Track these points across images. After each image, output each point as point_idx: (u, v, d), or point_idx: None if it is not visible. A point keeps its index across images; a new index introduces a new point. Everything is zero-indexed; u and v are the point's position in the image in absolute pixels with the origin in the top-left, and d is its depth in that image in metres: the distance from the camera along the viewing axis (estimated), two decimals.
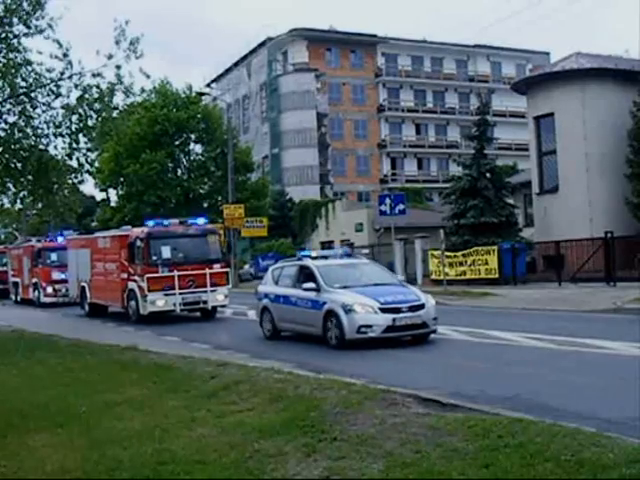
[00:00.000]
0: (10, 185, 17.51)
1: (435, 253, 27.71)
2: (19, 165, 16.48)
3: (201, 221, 21.77)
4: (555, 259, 25.73)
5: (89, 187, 78.20)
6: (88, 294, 24.23)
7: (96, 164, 28.39)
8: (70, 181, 17.79)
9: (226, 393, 8.87)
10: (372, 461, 5.83)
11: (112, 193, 45.32)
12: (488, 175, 31.11)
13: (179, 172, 40.33)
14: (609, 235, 23.55)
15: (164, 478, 5.86)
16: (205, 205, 40.04)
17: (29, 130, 16.08)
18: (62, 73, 15.31)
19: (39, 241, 32.40)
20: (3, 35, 15.13)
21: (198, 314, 21.38)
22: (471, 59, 64.79)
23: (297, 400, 8.04)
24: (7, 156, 16.28)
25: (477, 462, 5.60)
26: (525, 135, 37.91)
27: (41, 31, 15.13)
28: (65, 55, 15.19)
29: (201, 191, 39.85)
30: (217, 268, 20.77)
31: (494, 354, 11.94)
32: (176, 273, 19.77)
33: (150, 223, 21.08)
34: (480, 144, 31.90)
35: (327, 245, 43.16)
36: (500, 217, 30.00)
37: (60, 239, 30.85)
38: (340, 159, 59.13)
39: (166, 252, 20.13)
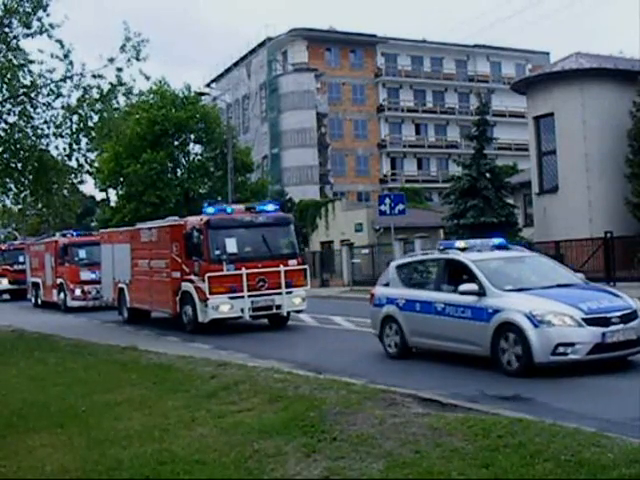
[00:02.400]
0: (11, 185, 17.51)
1: None
2: (19, 165, 16.50)
3: (271, 207, 18.14)
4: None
5: (89, 187, 78.30)
6: (127, 297, 20.64)
7: (96, 164, 28.42)
8: (70, 181, 17.80)
9: (226, 393, 8.88)
10: (372, 461, 5.83)
11: (112, 193, 45.31)
12: (488, 175, 31.13)
13: (179, 172, 40.28)
14: (609, 235, 23.53)
15: (164, 478, 5.86)
16: (205, 205, 40.04)
17: (29, 130, 16.10)
18: (66, 77, 15.31)
19: (64, 236, 28.35)
20: (3, 36, 15.13)
21: (265, 321, 17.83)
22: (471, 59, 64.76)
23: (297, 400, 8.04)
24: (7, 156, 16.29)
25: (477, 462, 5.61)
26: (525, 135, 37.88)
27: (41, 33, 15.13)
28: (66, 56, 15.19)
29: (201, 191, 39.79)
30: (293, 265, 17.27)
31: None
32: (244, 271, 16.33)
33: (209, 209, 17.42)
34: (480, 144, 31.91)
35: (327, 245, 43.14)
36: (500, 217, 30.02)
37: (84, 234, 28.28)
38: (340, 159, 59.11)
39: (231, 245, 16.65)
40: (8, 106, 15.90)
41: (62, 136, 16.04)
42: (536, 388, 8.89)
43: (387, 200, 28.22)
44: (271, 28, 66.23)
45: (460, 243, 11.75)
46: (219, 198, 37.92)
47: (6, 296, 35.94)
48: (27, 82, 15.57)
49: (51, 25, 15.12)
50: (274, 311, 17.03)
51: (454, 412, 7.29)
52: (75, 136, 16.00)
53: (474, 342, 10.24)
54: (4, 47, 15.31)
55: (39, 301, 29.82)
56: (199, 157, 40.97)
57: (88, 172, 18.75)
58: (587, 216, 26.89)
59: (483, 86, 59.83)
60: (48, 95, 15.72)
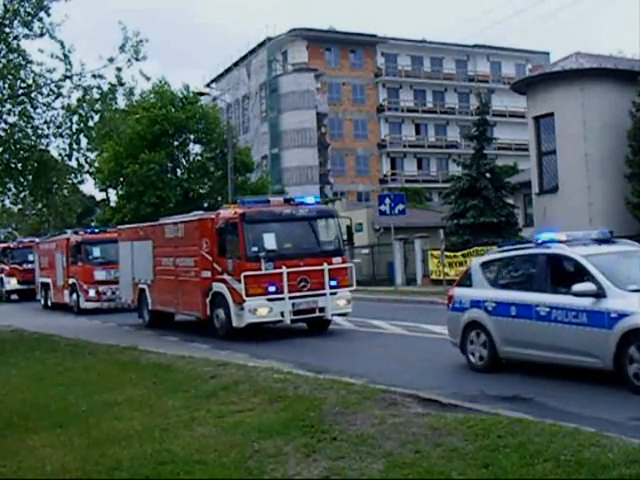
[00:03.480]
0: (11, 185, 17.51)
1: (435, 253, 27.70)
2: (19, 165, 16.49)
3: (311, 199, 16.48)
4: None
5: (89, 187, 78.29)
6: (149, 299, 18.96)
7: (96, 164, 28.43)
8: (70, 181, 17.79)
9: (226, 393, 8.88)
10: (372, 461, 5.83)
11: (112, 193, 45.30)
12: (488, 175, 31.13)
13: (179, 172, 40.28)
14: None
15: (164, 478, 5.86)
16: (205, 205, 40.04)
17: (29, 130, 16.09)
18: (66, 77, 15.31)
19: (76, 233, 26.76)
20: (3, 36, 15.13)
21: (303, 325, 16.13)
22: (471, 59, 64.77)
23: (297, 400, 8.05)
24: (7, 156, 16.29)
25: (477, 462, 5.61)
26: (525, 135, 37.85)
27: (42, 35, 15.13)
28: (66, 56, 15.19)
29: (201, 191, 39.80)
30: (337, 263, 15.70)
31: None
32: (285, 270, 14.78)
33: (245, 201, 16.17)
34: (480, 144, 31.91)
35: None
36: (500, 217, 30.02)
37: (100, 231, 26.39)
38: (340, 159, 59.11)
39: (270, 241, 15.10)
40: (8, 106, 15.90)
41: (62, 136, 16.04)
42: (536, 388, 8.89)
43: (387, 200, 28.20)
44: (271, 28, 66.44)
45: (561, 235, 10.04)
46: (219, 198, 37.96)
47: (14, 296, 34.89)
48: (28, 82, 15.57)
49: (51, 25, 15.11)
50: (317, 314, 15.39)
51: (454, 412, 7.29)
52: (75, 136, 16.00)
53: (590, 353, 8.73)
54: (4, 47, 15.30)
55: (49, 302, 28.35)
56: (199, 157, 40.97)
57: (88, 172, 18.72)
58: (587, 216, 26.87)
59: (483, 86, 59.82)
60: (48, 95, 15.72)
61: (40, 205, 19.85)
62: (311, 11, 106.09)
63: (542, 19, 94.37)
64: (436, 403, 7.79)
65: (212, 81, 64.49)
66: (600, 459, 5.42)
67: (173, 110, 38.04)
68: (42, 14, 15.08)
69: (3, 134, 16.10)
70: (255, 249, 14.91)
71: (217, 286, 15.69)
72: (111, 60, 15.14)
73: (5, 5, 14.90)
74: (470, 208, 29.94)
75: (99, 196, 53.16)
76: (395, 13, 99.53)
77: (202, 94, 42.60)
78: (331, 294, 15.35)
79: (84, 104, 15.56)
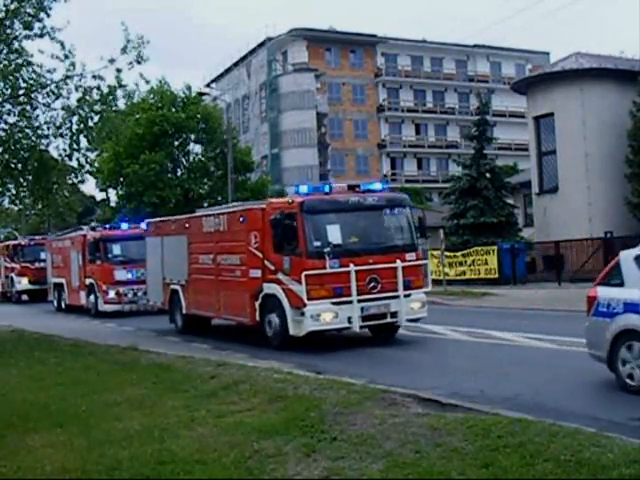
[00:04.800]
0: (11, 186, 17.50)
1: (435, 253, 27.71)
2: (19, 165, 16.48)
3: (378, 185, 14.52)
4: (555, 259, 25.74)
5: (89, 187, 78.37)
6: (183, 301, 16.86)
7: (96, 164, 28.37)
8: (70, 181, 17.78)
9: (226, 393, 8.88)
10: (372, 461, 5.83)
11: (112, 193, 45.31)
12: (488, 175, 31.17)
13: (179, 172, 40.29)
14: (609, 235, 23.54)
15: (164, 478, 5.86)
16: (205, 205, 40.06)
17: (29, 131, 16.08)
18: (68, 77, 15.30)
19: (93, 229, 24.90)
20: (3, 37, 15.13)
21: (366, 332, 13.95)
22: (471, 59, 64.75)
23: (297, 400, 8.04)
24: (7, 156, 16.29)
25: (477, 462, 5.61)
26: (525, 135, 37.89)
27: (42, 36, 15.12)
28: (66, 56, 15.18)
29: (201, 191, 39.82)
30: (411, 259, 13.59)
31: (494, 354, 11.93)
32: (352, 268, 12.70)
33: (302, 188, 13.88)
34: (480, 144, 31.96)
35: None
36: (500, 217, 30.06)
37: (124, 225, 24.03)
38: (340, 159, 59.10)
39: (335, 234, 13.01)
40: (8, 106, 15.90)
41: (62, 136, 16.02)
42: (536, 388, 8.89)
43: None
44: (271, 28, 66.34)
45: None
46: (219, 198, 37.96)
47: (25, 297, 33.39)
48: (28, 83, 15.57)
49: (52, 28, 15.10)
50: (388, 320, 13.34)
51: (454, 412, 7.29)
52: (75, 136, 15.99)
53: None
54: (5, 48, 15.30)
55: (63, 304, 26.38)
56: (199, 157, 40.98)
57: (88, 172, 18.68)
58: (587, 216, 26.92)
59: (483, 86, 59.82)
60: (48, 96, 15.71)
61: (40, 205, 19.81)
62: (311, 11, 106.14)
63: (542, 19, 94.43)
64: (436, 403, 7.79)
65: (212, 81, 64.48)
66: (600, 459, 5.42)
67: (173, 110, 38.05)
68: (42, 15, 15.07)
69: (3, 134, 16.09)
70: (318, 244, 12.79)
71: (269, 287, 13.59)
72: (112, 61, 15.13)
73: (6, 6, 14.90)
74: (470, 208, 29.99)
75: (99, 196, 53.21)
76: (395, 13, 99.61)
77: (202, 94, 42.60)
78: (405, 296, 13.23)
79: (84, 105, 15.55)
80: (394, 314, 13.25)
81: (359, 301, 12.79)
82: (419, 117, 62.29)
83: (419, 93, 62.98)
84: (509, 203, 31.77)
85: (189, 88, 39.89)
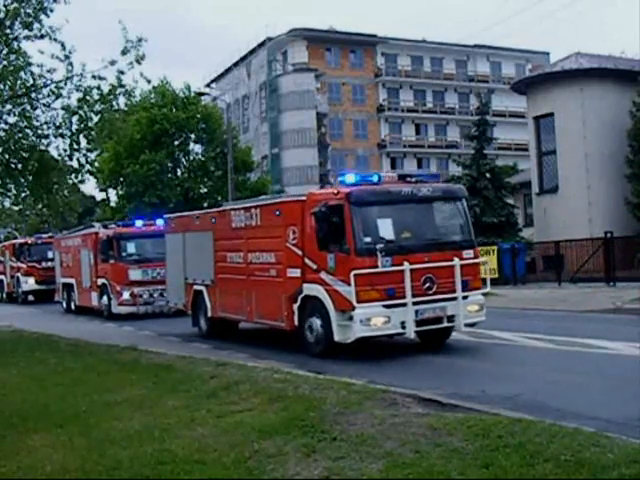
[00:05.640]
0: (11, 186, 17.50)
1: None
2: (19, 165, 16.48)
3: (431, 175, 13.48)
4: (555, 259, 25.74)
5: (89, 187, 78.34)
6: (208, 303, 15.66)
7: (96, 164, 28.34)
8: (70, 181, 17.77)
9: (226, 393, 8.88)
10: (372, 461, 5.83)
11: (112, 193, 45.33)
12: (488, 175, 31.18)
13: (179, 172, 40.32)
14: (609, 235, 23.56)
15: (164, 478, 5.86)
16: (205, 205, 40.09)
17: (29, 131, 16.08)
18: (68, 78, 15.30)
19: (105, 227, 23.62)
20: (4, 37, 15.13)
21: (410, 336, 12.01)
22: (471, 59, 64.77)
23: (297, 400, 8.04)
24: (7, 156, 16.28)
25: (477, 462, 5.60)
26: (525, 135, 37.92)
27: (42, 37, 15.12)
28: (67, 57, 15.18)
29: (201, 191, 39.86)
30: (469, 257, 12.33)
31: (494, 354, 11.93)
32: (407, 267, 11.43)
33: (348, 177, 12.44)
34: (480, 144, 31.97)
35: None
36: (500, 217, 30.07)
37: (139, 222, 22.71)
38: (340, 159, 59.10)
39: (386, 229, 11.77)
40: (8, 106, 15.89)
41: (62, 136, 16.02)
42: (536, 388, 8.89)
43: None
44: (271, 28, 66.41)
45: None
46: (219, 198, 37.96)
47: (31, 298, 32.55)
48: (28, 83, 15.57)
49: (51, 28, 15.09)
50: (444, 324, 12.08)
51: (454, 412, 7.29)
52: (75, 137, 15.98)
53: None
54: (5, 48, 15.30)
55: (72, 306, 25.26)
56: (199, 157, 41.00)
57: (89, 172, 18.67)
58: (587, 216, 26.93)
59: (483, 86, 59.84)
60: (48, 96, 15.71)
61: (40, 205, 19.79)
62: (311, 11, 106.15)
63: (542, 19, 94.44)
64: (436, 403, 7.79)
65: (212, 81, 64.49)
66: (600, 459, 5.42)
67: (174, 110, 38.08)
68: (42, 16, 15.06)
69: (3, 134, 16.09)
70: (368, 240, 11.53)
71: (310, 288, 12.29)
72: (112, 63, 15.12)
73: (6, 6, 14.90)
74: (470, 208, 29.97)
75: (99, 196, 53.20)
76: (395, 13, 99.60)
77: (202, 94, 42.63)
78: (463, 298, 12.00)
79: (84, 105, 15.55)
80: (451, 318, 11.99)
81: (414, 303, 11.48)
82: (419, 117, 62.30)
83: (419, 93, 62.99)
84: (509, 203, 31.78)
85: (188, 88, 39.93)
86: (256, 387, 8.99)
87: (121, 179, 39.10)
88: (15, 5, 14.80)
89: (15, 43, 15.36)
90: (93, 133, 16.09)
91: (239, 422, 7.36)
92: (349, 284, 11.28)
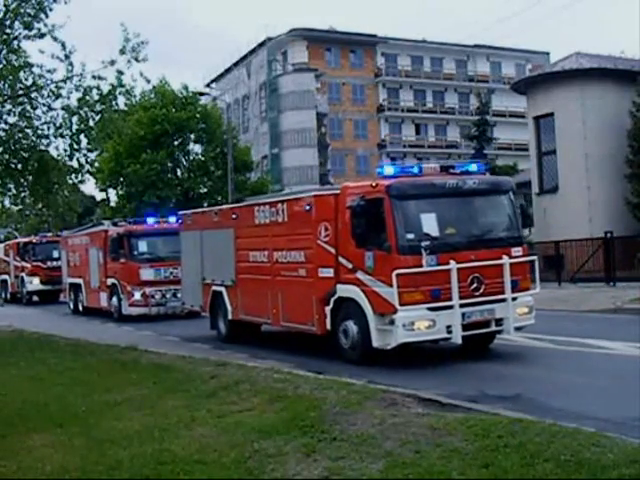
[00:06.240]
0: (11, 186, 17.50)
1: None
2: (19, 165, 16.48)
3: (474, 167, 12.05)
4: (555, 259, 25.71)
5: (89, 187, 78.37)
6: (229, 305, 14.80)
7: (96, 164, 28.32)
8: (70, 181, 17.77)
9: (226, 393, 8.88)
10: (372, 461, 5.83)
11: (112, 193, 45.35)
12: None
13: (179, 172, 40.36)
14: (609, 235, 23.54)
15: (164, 478, 5.86)
16: (205, 205, 40.13)
17: (29, 131, 16.08)
18: (67, 78, 15.30)
19: (115, 224, 22.78)
20: (4, 37, 15.12)
21: (457, 342, 10.93)
22: (471, 59, 64.78)
23: (297, 400, 8.04)
24: (7, 156, 16.28)
25: (477, 462, 5.60)
26: (525, 135, 37.87)
27: (42, 35, 15.12)
28: (67, 57, 15.18)
29: (201, 191, 39.90)
30: (518, 255, 11.44)
31: (494, 354, 11.92)
32: (454, 266, 10.54)
33: (387, 169, 11.52)
34: (480, 144, 32.03)
35: None
36: None
37: (150, 220, 21.92)
38: (340, 159, 59.11)
39: (431, 225, 10.91)
40: (8, 106, 15.89)
41: (62, 136, 16.01)
42: (536, 388, 8.89)
43: None
44: (271, 28, 66.25)
45: None
46: (219, 198, 37.99)
47: (35, 298, 31.91)
48: (28, 83, 15.57)
49: (53, 26, 15.08)
50: (492, 328, 11.22)
51: (454, 412, 7.29)
52: (76, 137, 15.98)
53: None
54: (5, 48, 15.30)
55: (80, 307, 24.45)
56: (199, 157, 41.03)
57: (89, 172, 18.65)
58: (587, 216, 26.89)
59: (483, 86, 59.84)
60: (48, 96, 15.71)
61: (40, 205, 19.77)
62: (311, 11, 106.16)
63: (542, 19, 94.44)
64: (436, 403, 7.80)
65: (212, 81, 64.49)
66: (600, 459, 5.42)
67: (174, 110, 38.10)
68: (42, 16, 15.05)
69: (3, 134, 16.09)
70: (411, 236, 10.67)
71: (345, 289, 11.45)
72: (112, 63, 15.12)
73: (6, 6, 14.89)
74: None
75: (99, 196, 53.21)
76: (395, 13, 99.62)
77: (202, 94, 42.69)
78: (512, 299, 11.11)
79: (84, 105, 15.54)
80: (499, 321, 11.12)
81: (462, 305, 10.58)
82: (419, 117, 62.31)
83: (419, 93, 63.00)
84: None
85: (186, 88, 39.96)
86: (256, 387, 8.99)
87: (121, 179, 39.12)
88: (15, 5, 14.79)
89: (15, 43, 15.36)
90: (93, 133, 16.08)
91: (239, 422, 7.36)
92: (390, 285, 10.41)
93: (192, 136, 40.21)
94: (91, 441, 7.10)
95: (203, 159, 40.68)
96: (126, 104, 17.38)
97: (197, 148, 41.48)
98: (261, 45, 58.21)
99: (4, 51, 15.33)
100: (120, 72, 15.31)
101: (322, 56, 58.62)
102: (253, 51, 59.45)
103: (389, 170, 11.49)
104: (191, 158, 40.99)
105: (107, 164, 37.90)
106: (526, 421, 6.62)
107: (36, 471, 6.26)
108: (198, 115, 39.37)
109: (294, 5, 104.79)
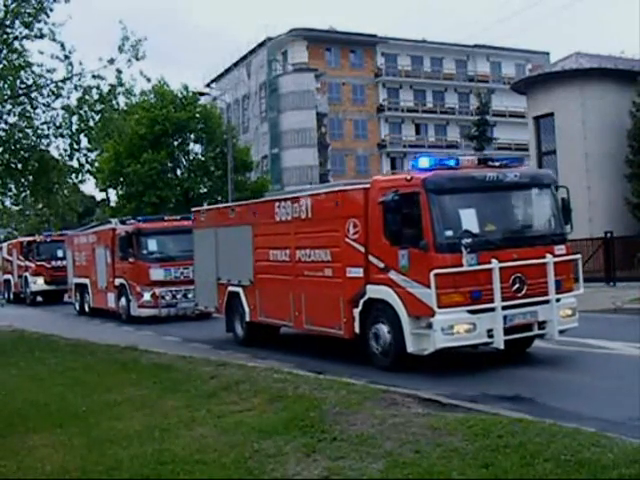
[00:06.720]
0: (12, 186, 17.50)
1: None
2: (20, 165, 16.48)
3: (514, 160, 11.66)
4: None
5: (89, 187, 78.39)
6: (246, 307, 14.15)
7: (96, 164, 28.30)
8: (70, 181, 17.77)
9: (226, 393, 8.88)
10: (372, 461, 5.83)
11: (112, 193, 45.37)
12: None
13: (179, 172, 40.38)
14: (609, 235, 23.55)
15: (164, 478, 5.86)
16: (205, 205, 40.17)
17: (29, 131, 16.08)
18: (67, 78, 15.29)
19: (123, 223, 22.18)
20: (4, 37, 15.12)
21: (499, 347, 10.20)
22: (471, 59, 64.77)
23: (297, 400, 8.04)
24: (7, 156, 16.28)
25: (477, 462, 5.60)
26: (525, 135, 37.89)
27: (42, 35, 15.12)
28: (67, 57, 15.18)
29: (201, 191, 39.92)
30: (561, 253, 10.83)
31: (493, 354, 11.92)
32: (495, 265, 9.90)
33: (422, 162, 10.65)
34: (480, 144, 32.04)
35: None
36: None
37: (160, 218, 21.85)
38: (340, 159, 59.10)
39: (470, 221, 10.26)
40: (8, 106, 15.89)
41: (62, 136, 16.02)
42: (536, 388, 8.89)
43: None
44: (271, 28, 66.27)
45: None
46: (219, 198, 37.99)
47: (39, 298, 31.29)
48: (28, 83, 15.56)
49: (54, 25, 15.08)
50: (535, 332, 10.59)
51: (454, 412, 7.29)
52: (76, 136, 15.98)
53: None
54: (5, 48, 15.30)
55: (86, 307, 23.92)
56: (199, 157, 41.04)
57: (89, 172, 18.63)
58: (587, 216, 26.88)
59: (483, 86, 59.78)
60: (48, 96, 15.71)
61: (41, 205, 19.74)
62: (311, 11, 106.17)
63: (542, 19, 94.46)
64: (436, 403, 7.80)
65: (212, 81, 64.49)
66: (600, 459, 5.42)
67: (173, 110, 38.10)
68: (42, 16, 15.05)
69: (3, 134, 16.09)
70: (450, 233, 10.02)
71: (376, 290, 10.76)
72: (111, 61, 15.11)
73: (6, 6, 14.89)
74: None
75: (99, 196, 53.23)
76: (395, 13, 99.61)
77: (202, 94, 42.69)
78: (556, 301, 10.51)
79: (84, 104, 15.54)
80: (541, 324, 10.48)
81: (504, 307, 9.94)
82: (419, 117, 62.30)
83: (419, 93, 62.99)
84: None
85: (186, 88, 39.96)
86: (256, 387, 8.99)
87: (121, 179, 39.12)
88: (15, 5, 14.79)
89: (15, 43, 15.36)
90: (93, 133, 16.08)
91: (239, 422, 7.36)
92: (427, 285, 9.74)
93: (192, 136, 40.22)
94: (91, 441, 7.10)
95: (203, 159, 40.69)
96: (126, 104, 17.38)
97: (197, 148, 41.49)
98: (261, 45, 58.20)
99: (4, 51, 15.33)
100: (119, 71, 15.31)
101: (322, 56, 58.61)
102: (253, 51, 59.45)
103: (424, 162, 10.64)
104: (191, 158, 40.99)
105: (107, 164, 37.89)
106: (526, 421, 6.62)
107: (36, 471, 6.26)
108: (198, 115, 39.36)
109: (294, 5, 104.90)
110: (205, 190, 40.23)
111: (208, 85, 61.43)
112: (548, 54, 61.60)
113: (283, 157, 55.59)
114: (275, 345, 14.25)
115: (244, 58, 60.79)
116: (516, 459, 5.55)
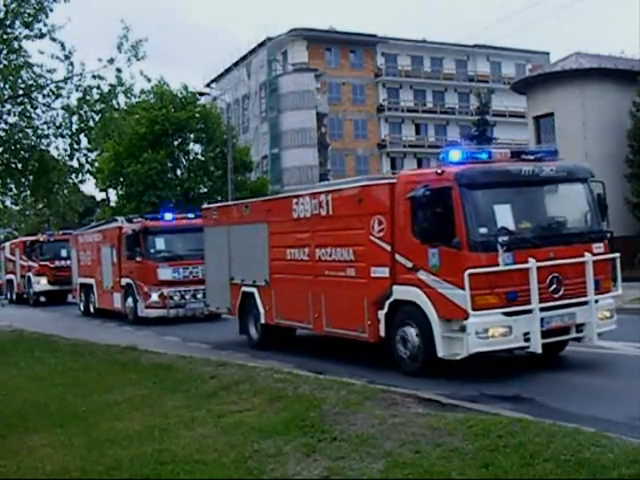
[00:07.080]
0: (12, 186, 17.50)
1: None
2: (20, 165, 16.48)
3: (546, 151, 10.96)
4: None
5: (89, 187, 78.36)
6: (261, 308, 13.55)
7: (96, 164, 28.28)
8: (70, 181, 17.76)
9: (226, 393, 8.88)
10: (372, 461, 5.83)
11: (112, 193, 45.37)
12: None
13: (179, 172, 40.40)
14: (609, 235, 23.55)
15: (164, 478, 5.86)
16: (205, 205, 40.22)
17: (29, 131, 16.07)
18: (67, 78, 15.29)
19: (129, 221, 21.60)
20: (4, 37, 15.12)
21: (537, 351, 9.59)
22: (471, 59, 64.78)
23: (297, 400, 8.04)
24: (7, 156, 16.28)
25: (477, 462, 5.61)
26: (525, 135, 37.88)
27: (42, 35, 15.12)
28: (67, 57, 15.18)
29: (201, 191, 39.93)
30: (599, 252, 10.51)
31: (493, 354, 11.91)
32: (533, 264, 9.32)
33: (453, 155, 10.01)
34: (480, 144, 31.97)
35: None
36: None
37: (168, 216, 20.52)
38: (340, 159, 59.11)
39: (505, 217, 9.63)
40: (8, 106, 15.88)
41: (62, 136, 16.00)
42: (536, 388, 8.89)
43: None
44: (271, 28, 66.23)
45: None
46: (219, 198, 37.99)
47: (42, 299, 30.75)
48: (28, 83, 15.56)
49: (53, 26, 15.07)
50: (572, 335, 10.06)
51: (454, 412, 7.29)
52: (76, 136, 15.98)
53: None
54: (5, 48, 15.30)
55: (91, 308, 23.31)
56: (199, 157, 41.05)
57: (89, 172, 18.63)
58: None
59: (483, 86, 59.79)
60: (48, 96, 15.71)
61: (41, 205, 19.74)
62: (311, 11, 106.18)
63: (542, 19, 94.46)
64: (436, 403, 7.80)
65: (212, 81, 64.50)
66: (600, 459, 5.42)
67: (173, 110, 38.11)
68: (42, 16, 15.04)
69: (3, 134, 16.08)
70: (484, 231, 9.42)
71: (403, 291, 10.21)
72: (111, 61, 15.11)
73: (6, 6, 14.89)
74: None
75: (99, 196, 53.23)
76: (395, 13, 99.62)
77: (202, 94, 42.71)
78: (595, 302, 10.01)
79: (84, 104, 15.54)
80: (579, 327, 9.94)
81: (542, 309, 9.38)
82: (419, 117, 62.30)
83: (419, 93, 62.99)
84: None
85: (186, 88, 39.97)
86: (256, 387, 8.99)
87: (121, 179, 39.13)
88: (15, 5, 14.79)
89: (15, 42, 15.35)
90: (93, 133, 16.07)
91: (239, 422, 7.37)
92: (460, 286, 9.19)
93: (192, 136, 40.22)
94: (91, 441, 7.10)
95: (203, 159, 40.70)
96: (126, 103, 17.36)
97: (197, 148, 41.49)
98: (261, 45, 58.21)
99: (4, 51, 15.33)
100: (119, 70, 15.30)
101: (322, 56, 58.62)
102: (253, 51, 59.46)
103: (456, 155, 9.99)
104: (191, 158, 41.00)
105: (107, 164, 37.90)
106: (526, 421, 6.62)
107: (36, 471, 6.26)
108: (198, 115, 39.37)
109: (294, 5, 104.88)
110: (205, 190, 40.23)
111: (208, 85, 61.44)
112: (548, 54, 61.59)
113: (283, 157, 55.59)
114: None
115: (244, 58, 60.80)
116: (516, 459, 5.55)
